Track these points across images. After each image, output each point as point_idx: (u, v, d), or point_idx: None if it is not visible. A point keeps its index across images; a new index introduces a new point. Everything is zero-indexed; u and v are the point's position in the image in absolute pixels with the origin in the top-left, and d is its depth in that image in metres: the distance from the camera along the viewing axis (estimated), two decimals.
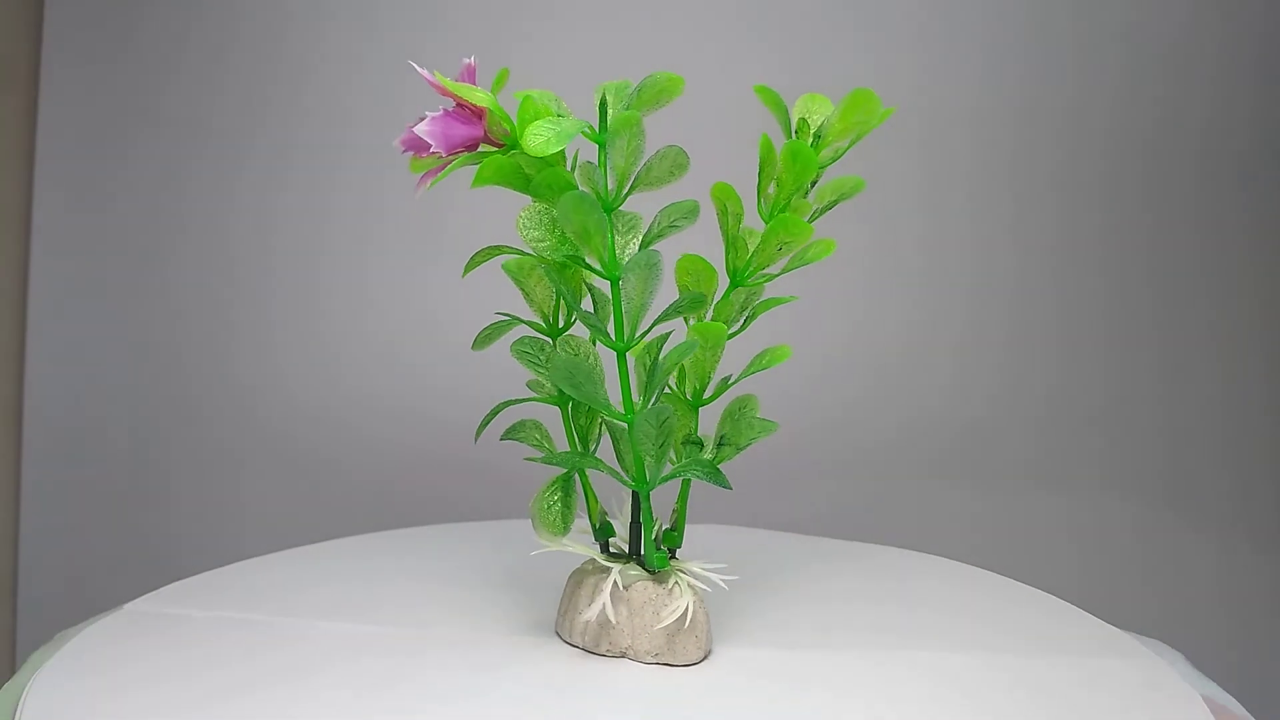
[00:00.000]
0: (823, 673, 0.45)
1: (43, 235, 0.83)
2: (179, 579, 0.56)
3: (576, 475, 0.46)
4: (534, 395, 0.47)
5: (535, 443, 0.47)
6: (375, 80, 0.81)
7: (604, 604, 0.44)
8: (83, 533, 0.84)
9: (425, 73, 0.41)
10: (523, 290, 0.46)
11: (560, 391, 0.46)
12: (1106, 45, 0.80)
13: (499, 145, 0.42)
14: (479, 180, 0.41)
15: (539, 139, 0.40)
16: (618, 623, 0.45)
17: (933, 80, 0.80)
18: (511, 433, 0.47)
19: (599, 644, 0.46)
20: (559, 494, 0.45)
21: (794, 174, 0.42)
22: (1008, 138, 0.80)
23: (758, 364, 0.45)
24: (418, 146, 0.41)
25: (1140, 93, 0.80)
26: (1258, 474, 0.81)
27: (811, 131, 0.45)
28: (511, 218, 0.44)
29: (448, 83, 0.41)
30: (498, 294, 0.55)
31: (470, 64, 0.42)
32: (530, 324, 0.47)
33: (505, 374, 0.51)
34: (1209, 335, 0.81)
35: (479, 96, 0.41)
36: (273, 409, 0.83)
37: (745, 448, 0.46)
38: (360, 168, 0.82)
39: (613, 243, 0.41)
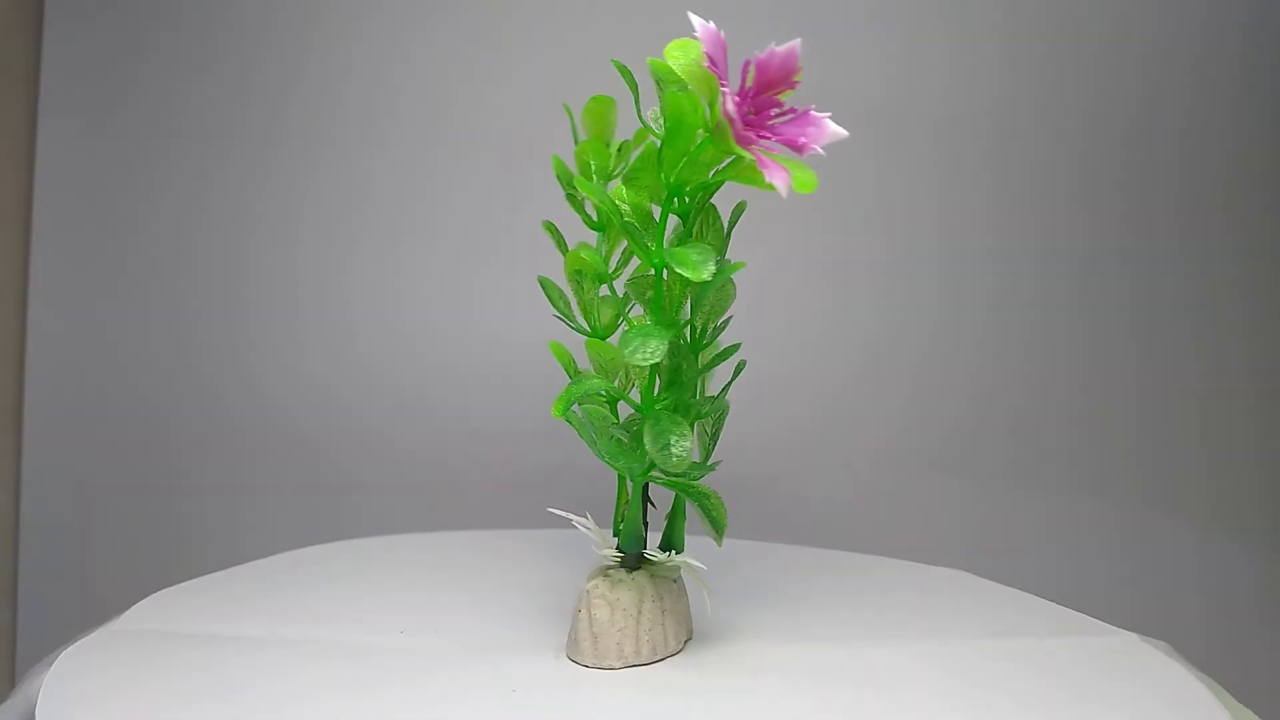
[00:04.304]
0: (813, 668, 0.47)
1: (43, 235, 0.83)
2: (180, 580, 0.57)
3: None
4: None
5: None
6: (366, 77, 0.82)
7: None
8: (83, 533, 0.84)
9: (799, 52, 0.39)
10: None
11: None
12: (1127, 47, 0.82)
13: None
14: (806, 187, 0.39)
15: None
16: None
17: (950, 83, 0.82)
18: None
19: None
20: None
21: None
22: (1026, 141, 0.83)
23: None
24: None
25: (1157, 94, 0.82)
26: (1244, 473, 0.84)
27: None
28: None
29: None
30: (522, 296, 0.56)
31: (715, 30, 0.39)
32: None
33: (518, 378, 0.52)
34: (1193, 335, 0.84)
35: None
36: (274, 410, 0.84)
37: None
38: (392, 167, 0.83)
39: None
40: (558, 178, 0.49)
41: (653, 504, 0.49)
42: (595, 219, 0.49)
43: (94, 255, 0.83)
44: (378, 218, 0.83)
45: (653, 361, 0.40)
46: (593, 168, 0.48)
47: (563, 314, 0.49)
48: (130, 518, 0.84)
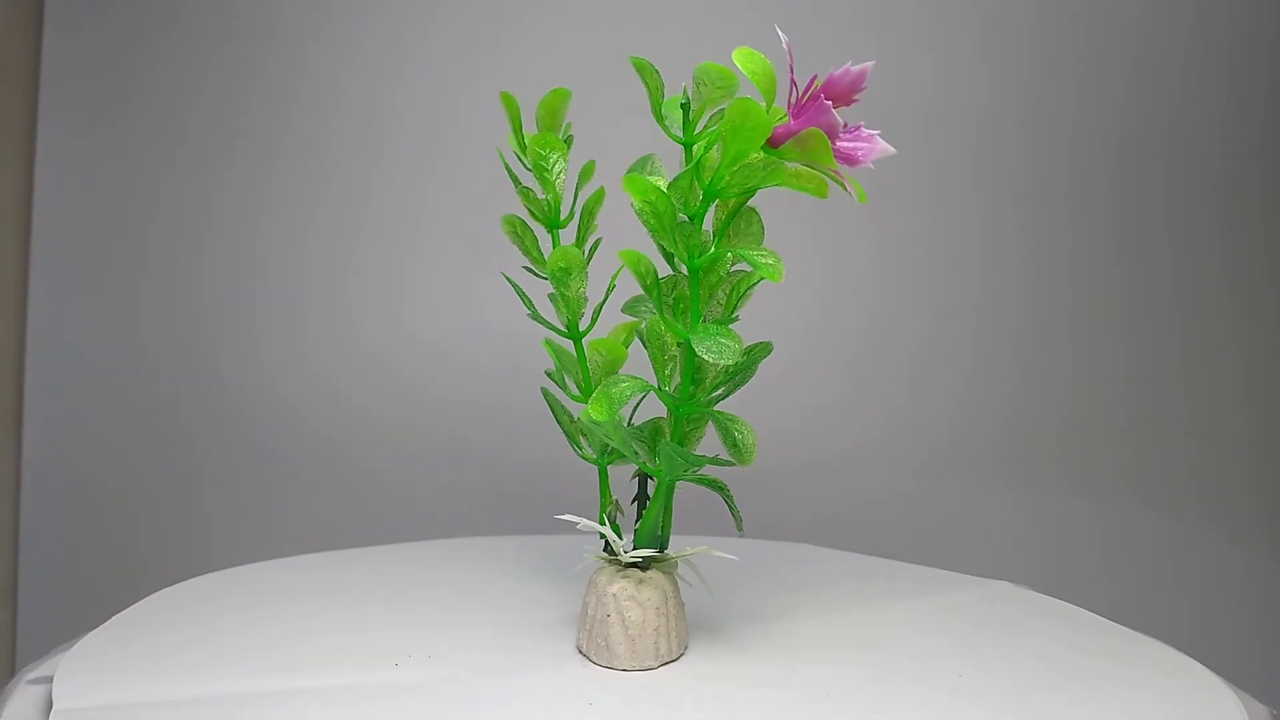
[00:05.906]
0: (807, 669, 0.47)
1: (43, 235, 0.83)
2: (179, 581, 0.57)
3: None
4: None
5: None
6: (370, 78, 0.83)
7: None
8: (83, 533, 0.84)
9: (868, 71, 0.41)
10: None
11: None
12: (1117, 49, 0.82)
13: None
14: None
15: None
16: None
17: (940, 84, 0.82)
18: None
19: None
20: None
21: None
22: (1017, 143, 0.82)
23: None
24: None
25: (1152, 96, 0.82)
26: (1234, 471, 0.85)
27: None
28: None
29: None
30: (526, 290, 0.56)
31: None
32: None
33: (528, 376, 0.53)
34: (1183, 335, 0.84)
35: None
36: (269, 413, 0.84)
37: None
38: (396, 165, 0.83)
39: None
40: (506, 168, 0.48)
41: (622, 512, 0.49)
42: (547, 215, 0.49)
43: (94, 256, 0.83)
44: (382, 213, 0.83)
45: (731, 362, 0.41)
46: (551, 161, 0.48)
47: (534, 314, 0.49)
48: (130, 517, 0.84)
